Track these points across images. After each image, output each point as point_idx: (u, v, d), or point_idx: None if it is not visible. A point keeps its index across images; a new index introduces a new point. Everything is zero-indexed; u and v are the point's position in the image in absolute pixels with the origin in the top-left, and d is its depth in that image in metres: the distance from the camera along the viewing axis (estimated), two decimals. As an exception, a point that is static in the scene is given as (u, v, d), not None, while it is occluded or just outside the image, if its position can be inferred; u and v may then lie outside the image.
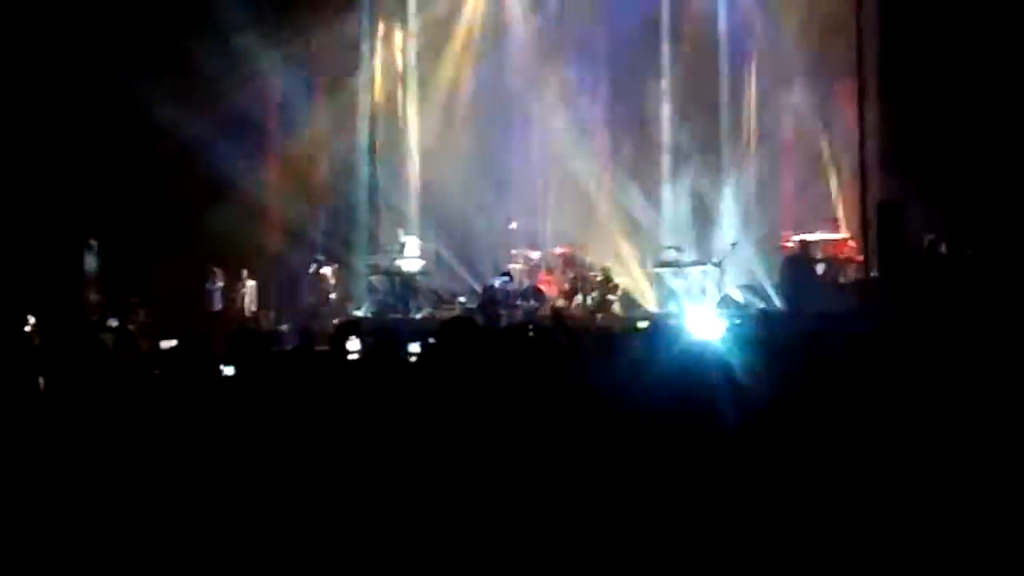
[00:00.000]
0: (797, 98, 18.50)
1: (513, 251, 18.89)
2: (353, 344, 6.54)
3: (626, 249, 18.89)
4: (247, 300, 18.43)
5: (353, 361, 6.26)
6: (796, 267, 16.50)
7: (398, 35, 20.70)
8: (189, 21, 17.68)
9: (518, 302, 17.72)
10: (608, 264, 18.18)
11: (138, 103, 17.26)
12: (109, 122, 17.43)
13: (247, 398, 4.99)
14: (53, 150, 17.08)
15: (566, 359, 5.48)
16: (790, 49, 18.53)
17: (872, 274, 14.96)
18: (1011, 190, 15.36)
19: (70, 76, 17.11)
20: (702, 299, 18.38)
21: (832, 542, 4.02)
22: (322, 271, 18.65)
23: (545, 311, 17.56)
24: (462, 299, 18.93)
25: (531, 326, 7.54)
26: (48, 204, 16.97)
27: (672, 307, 17.93)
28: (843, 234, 17.28)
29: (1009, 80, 15.63)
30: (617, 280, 17.97)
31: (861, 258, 16.39)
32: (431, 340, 4.82)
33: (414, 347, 8.43)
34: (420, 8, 20.52)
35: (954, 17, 16.04)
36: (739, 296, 18.02)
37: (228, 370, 5.55)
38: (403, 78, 20.68)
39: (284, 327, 16.92)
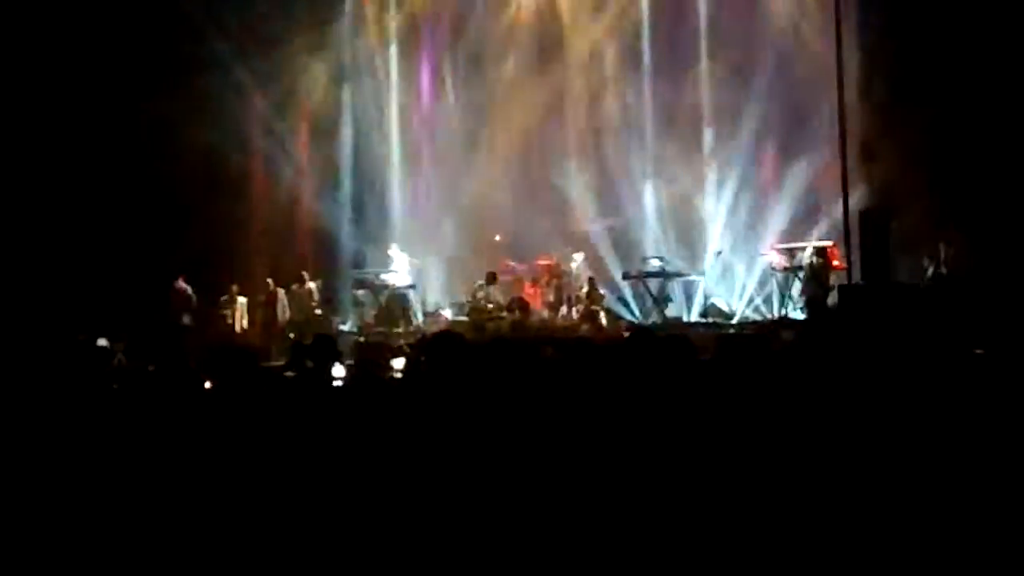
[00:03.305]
0: (779, 108, 18.61)
1: (498, 263, 18.91)
2: (338, 370, 6.57)
3: (610, 259, 18.97)
4: (238, 317, 18.42)
5: (336, 382, 6.29)
6: (816, 276, 16.67)
7: (380, 45, 20.74)
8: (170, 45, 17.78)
9: (503, 314, 17.79)
10: (592, 275, 18.24)
11: (124, 121, 17.34)
12: (97, 141, 17.46)
13: (232, 416, 5.00)
14: (41, 173, 17.11)
15: (553, 371, 5.50)
16: (772, 57, 18.67)
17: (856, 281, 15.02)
18: (996, 194, 15.49)
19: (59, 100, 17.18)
20: (687, 308, 18.50)
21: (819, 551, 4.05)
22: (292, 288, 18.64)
23: (530, 323, 17.62)
24: (447, 312, 19.01)
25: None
26: (35, 222, 16.97)
27: (657, 317, 18.01)
28: (827, 242, 17.34)
29: (990, 83, 15.77)
30: (602, 291, 18.03)
31: (844, 265, 16.45)
32: (418, 356, 4.84)
33: (398, 363, 8.43)
34: (403, 18, 20.62)
35: (935, 19, 16.20)
36: (724, 305, 18.16)
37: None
38: (387, 91, 20.72)
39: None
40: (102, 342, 10.98)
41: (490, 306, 17.75)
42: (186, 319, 17.76)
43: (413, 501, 4.13)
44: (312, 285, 18.72)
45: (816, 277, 16.79)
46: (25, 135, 17.11)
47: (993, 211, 15.47)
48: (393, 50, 20.65)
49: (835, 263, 16.95)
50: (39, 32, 17.15)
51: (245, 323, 18.43)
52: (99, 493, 4.42)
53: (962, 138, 15.98)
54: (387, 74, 20.65)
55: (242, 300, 18.45)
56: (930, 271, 15.99)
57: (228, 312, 18.28)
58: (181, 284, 17.89)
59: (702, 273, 18.52)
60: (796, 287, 17.34)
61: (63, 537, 4.27)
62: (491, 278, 17.99)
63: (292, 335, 17.47)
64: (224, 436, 4.71)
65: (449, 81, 20.42)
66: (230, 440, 4.63)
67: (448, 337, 5.36)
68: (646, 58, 19.54)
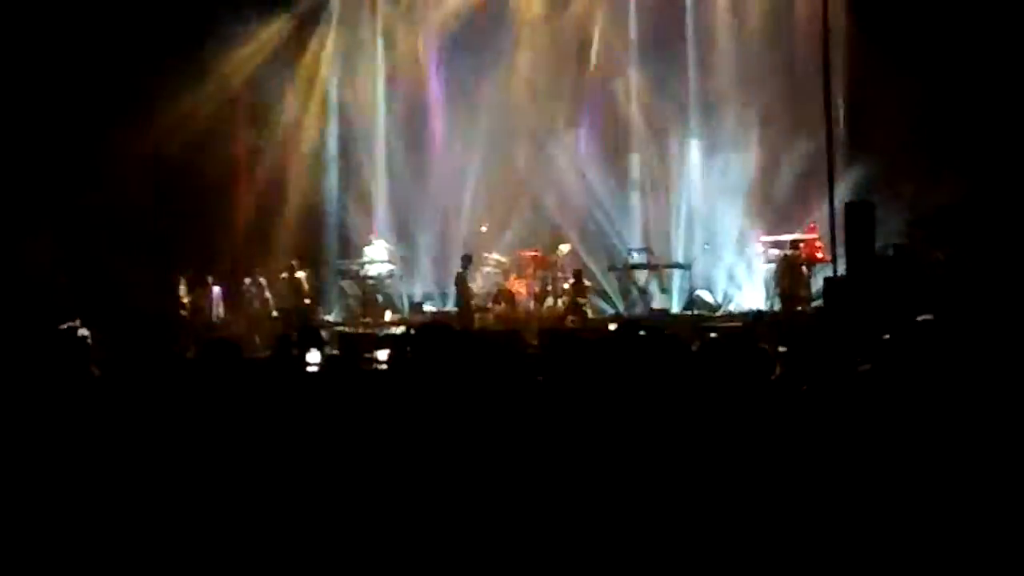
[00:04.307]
0: (765, 98, 18.60)
1: (484, 254, 18.88)
2: (313, 356, 6.56)
3: (597, 251, 18.96)
4: (213, 306, 18.34)
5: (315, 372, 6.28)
6: (790, 268, 16.72)
7: (366, 36, 20.65)
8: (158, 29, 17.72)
9: (489, 304, 17.78)
10: (578, 267, 18.23)
11: (107, 108, 17.26)
12: (77, 129, 17.36)
13: (218, 405, 4.97)
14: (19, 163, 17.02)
15: (540, 363, 5.48)
16: (757, 49, 18.66)
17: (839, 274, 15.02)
18: (980, 188, 15.52)
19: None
20: (672, 300, 18.52)
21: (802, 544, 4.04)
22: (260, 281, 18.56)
23: (516, 314, 17.59)
24: (430, 304, 18.99)
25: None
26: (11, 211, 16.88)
27: (643, 308, 18.02)
28: (813, 235, 17.36)
29: (977, 77, 15.79)
30: (588, 283, 18.02)
31: (830, 258, 16.47)
32: (404, 346, 4.81)
33: (382, 355, 8.39)
34: (389, 9, 20.54)
35: (922, 15, 16.21)
36: (709, 297, 18.18)
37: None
38: (374, 81, 20.63)
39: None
40: (83, 331, 10.89)
41: (471, 286, 17.75)
42: (183, 312, 17.80)
43: (385, 489, 4.11)
44: (302, 275, 18.68)
45: (791, 270, 16.81)
46: (15, 130, 17.05)
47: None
48: (379, 41, 20.54)
49: (819, 256, 16.99)
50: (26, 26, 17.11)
51: (220, 311, 18.32)
52: (79, 479, 4.40)
53: (949, 129, 16.03)
54: (374, 65, 20.54)
55: (216, 290, 18.37)
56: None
57: (204, 303, 18.19)
58: (179, 276, 17.92)
59: (688, 265, 18.50)
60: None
61: (47, 523, 4.24)
62: (467, 260, 17.99)
63: (276, 318, 17.48)
64: (203, 423, 4.69)
65: (435, 71, 20.33)
66: (209, 426, 4.61)
67: (435, 328, 5.33)
68: (632, 47, 19.48)
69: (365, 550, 4.04)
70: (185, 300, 18.01)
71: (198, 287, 18.22)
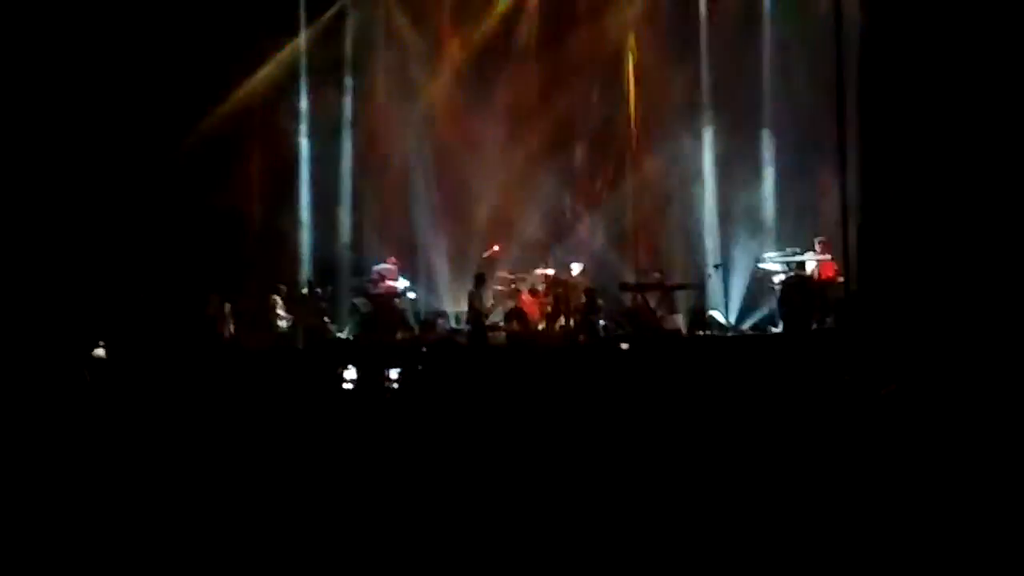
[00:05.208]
0: (777, 119, 18.62)
1: (497, 273, 18.91)
2: (350, 372, 6.62)
3: (608, 271, 18.97)
4: (227, 323, 18.39)
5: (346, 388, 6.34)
6: (796, 290, 16.69)
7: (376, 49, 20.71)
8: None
9: (500, 323, 17.80)
10: (591, 285, 18.24)
11: (130, 129, 17.42)
12: (97, 148, 17.52)
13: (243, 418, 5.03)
14: (37, 181, 17.15)
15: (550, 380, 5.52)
16: (770, 66, 18.68)
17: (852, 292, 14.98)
18: (992, 206, 15.45)
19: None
20: (684, 319, 18.50)
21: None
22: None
23: (528, 333, 17.61)
24: (442, 321, 19.00)
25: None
26: (31, 230, 17.00)
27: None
28: (825, 256, 17.34)
29: (990, 97, 15.72)
30: (600, 302, 18.02)
31: (842, 279, 16.46)
32: (417, 365, 4.85)
33: (393, 373, 8.40)
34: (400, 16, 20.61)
35: (936, 30, 16.15)
36: (720, 317, 18.17)
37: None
38: (388, 97, 20.67)
39: None
40: (99, 352, 10.96)
41: (483, 305, 17.80)
42: (227, 330, 17.87)
43: (404, 502, 4.14)
44: (320, 291, 18.78)
45: (803, 290, 16.77)
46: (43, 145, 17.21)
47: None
48: (388, 53, 20.56)
49: (831, 275, 16.97)
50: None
51: (232, 328, 18.35)
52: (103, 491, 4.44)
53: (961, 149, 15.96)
54: (386, 79, 20.57)
55: (227, 306, 18.39)
56: None
57: (218, 319, 18.23)
58: (215, 296, 18.00)
59: (700, 285, 18.49)
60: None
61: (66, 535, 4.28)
62: (480, 280, 18.04)
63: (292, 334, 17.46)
64: (235, 432, 4.74)
65: (446, 86, 20.38)
66: (241, 438, 4.66)
67: (446, 345, 5.37)
68: (643, 61, 19.51)
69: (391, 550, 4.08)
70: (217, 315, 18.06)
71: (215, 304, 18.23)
